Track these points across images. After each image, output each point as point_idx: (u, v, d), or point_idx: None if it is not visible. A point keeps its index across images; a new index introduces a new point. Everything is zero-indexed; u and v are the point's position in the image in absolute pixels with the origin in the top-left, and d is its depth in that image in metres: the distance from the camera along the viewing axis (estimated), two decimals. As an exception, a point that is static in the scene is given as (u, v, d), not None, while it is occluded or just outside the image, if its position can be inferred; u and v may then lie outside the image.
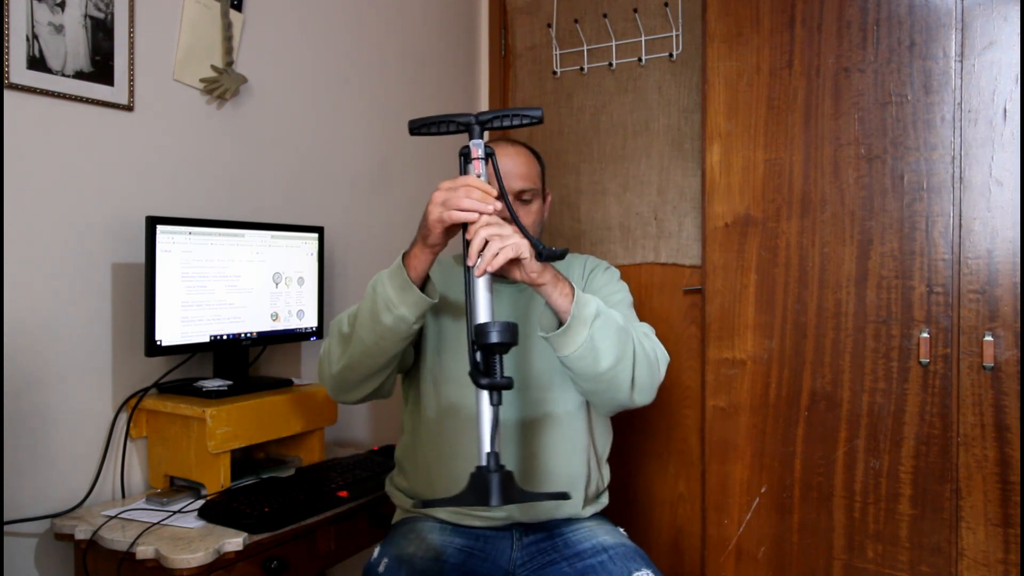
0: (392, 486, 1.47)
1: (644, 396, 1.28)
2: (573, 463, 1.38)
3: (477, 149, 1.13)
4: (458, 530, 1.36)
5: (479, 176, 1.13)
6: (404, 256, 1.20)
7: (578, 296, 1.18)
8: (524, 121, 1.15)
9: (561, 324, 1.18)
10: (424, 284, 1.23)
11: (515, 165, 1.41)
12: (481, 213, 1.10)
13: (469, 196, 1.09)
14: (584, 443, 1.40)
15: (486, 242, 1.08)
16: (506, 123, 1.15)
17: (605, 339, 1.18)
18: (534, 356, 1.40)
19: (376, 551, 1.32)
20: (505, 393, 1.24)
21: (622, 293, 1.47)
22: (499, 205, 1.10)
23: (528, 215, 1.41)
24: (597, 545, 1.31)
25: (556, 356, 1.28)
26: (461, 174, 1.14)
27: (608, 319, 1.20)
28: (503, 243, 1.08)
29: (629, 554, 1.29)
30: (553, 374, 1.38)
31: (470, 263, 1.09)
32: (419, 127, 1.19)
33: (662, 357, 1.32)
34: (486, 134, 1.18)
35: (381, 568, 1.26)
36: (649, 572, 1.25)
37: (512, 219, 1.14)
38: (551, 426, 1.37)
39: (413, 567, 1.25)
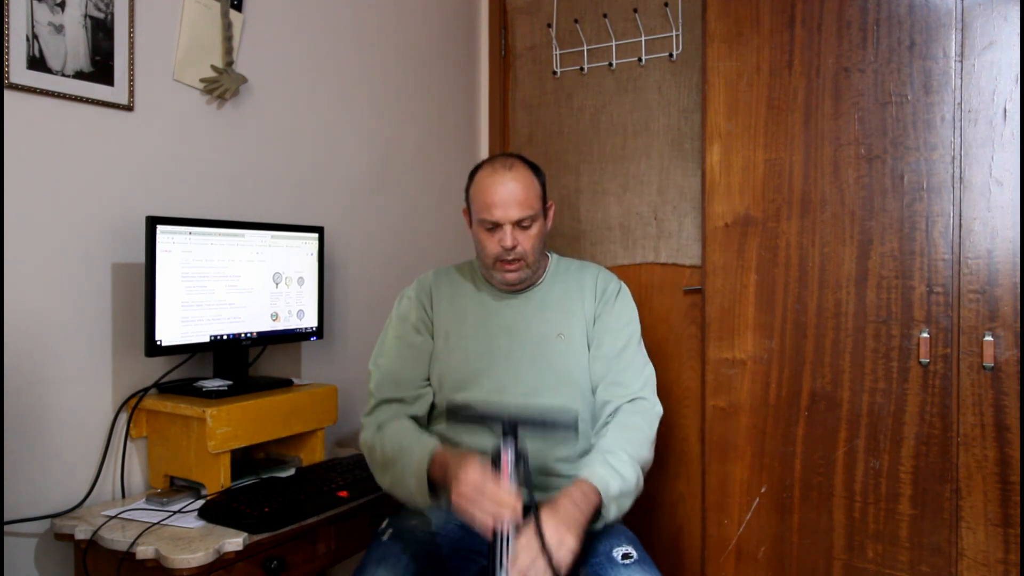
0: None
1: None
2: (570, 464, 1.44)
3: (507, 454, 1.18)
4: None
5: (508, 474, 1.17)
6: (431, 462, 1.28)
7: (604, 498, 1.25)
8: (557, 429, 1.21)
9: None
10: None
11: (510, 193, 1.43)
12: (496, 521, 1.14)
13: (485, 510, 1.13)
14: (582, 446, 1.46)
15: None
16: (537, 430, 1.21)
17: (627, 499, 1.31)
18: (529, 364, 1.46)
19: (385, 522, 1.42)
20: (502, 396, 1.36)
21: (632, 327, 1.53)
22: (512, 516, 1.12)
23: (529, 238, 1.46)
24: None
25: (551, 365, 1.46)
26: (493, 466, 1.18)
27: (625, 492, 1.29)
28: None
29: (615, 534, 1.36)
30: (547, 381, 1.44)
31: None
32: (457, 415, 1.32)
33: (655, 424, 1.44)
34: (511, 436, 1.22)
35: (385, 537, 1.36)
36: (631, 549, 1.31)
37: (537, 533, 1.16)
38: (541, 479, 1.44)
39: (414, 537, 1.34)
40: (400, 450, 1.33)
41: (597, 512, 1.26)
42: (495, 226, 1.45)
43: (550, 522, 1.15)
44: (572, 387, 1.46)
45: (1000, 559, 1.54)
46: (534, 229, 1.47)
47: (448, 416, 1.33)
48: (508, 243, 1.43)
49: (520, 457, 1.19)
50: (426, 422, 1.52)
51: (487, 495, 1.12)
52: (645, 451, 1.40)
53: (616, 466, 1.30)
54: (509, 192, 1.43)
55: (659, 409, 1.48)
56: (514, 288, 1.51)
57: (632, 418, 1.41)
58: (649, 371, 1.51)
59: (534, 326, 1.50)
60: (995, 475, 1.54)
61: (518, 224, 1.44)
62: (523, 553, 1.11)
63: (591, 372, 1.49)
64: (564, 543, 1.13)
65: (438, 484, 1.27)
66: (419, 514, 1.43)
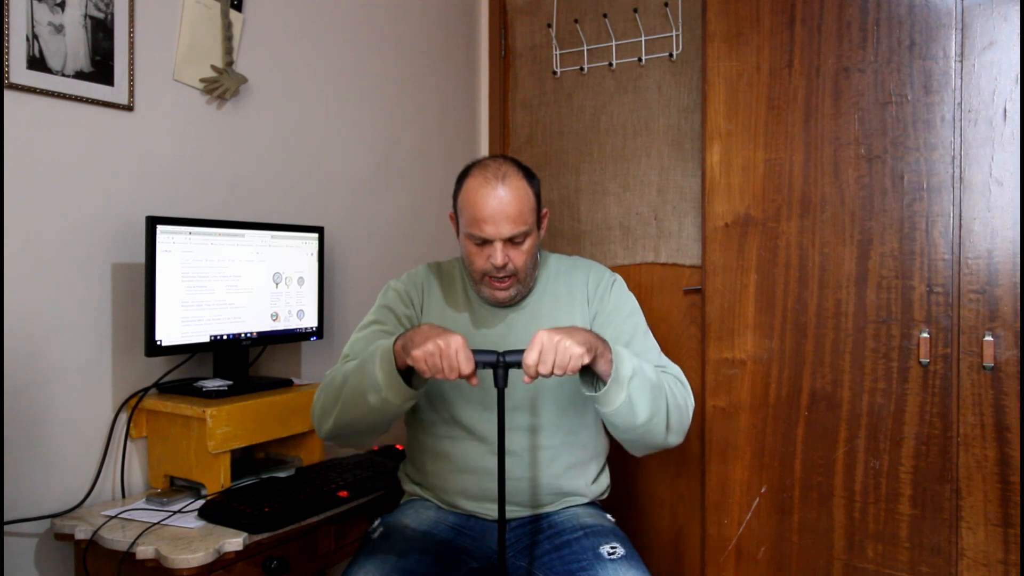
0: (402, 472, 1.55)
1: (676, 440, 1.32)
2: (559, 477, 1.42)
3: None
4: (453, 512, 1.44)
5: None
6: (395, 342, 1.21)
7: (616, 358, 1.20)
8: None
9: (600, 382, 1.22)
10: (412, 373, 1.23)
11: (502, 209, 1.32)
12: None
13: (445, 367, 1.12)
14: (571, 458, 1.43)
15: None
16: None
17: (641, 397, 1.22)
18: (517, 374, 1.38)
19: (376, 522, 1.40)
20: (492, 411, 1.31)
21: (635, 317, 1.45)
22: (463, 351, 1.12)
23: (521, 254, 1.36)
24: (577, 525, 1.37)
25: (543, 379, 1.34)
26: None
27: (643, 378, 1.23)
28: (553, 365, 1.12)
29: (604, 532, 1.34)
30: (537, 393, 1.41)
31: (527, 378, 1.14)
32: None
33: (690, 403, 1.34)
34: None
35: (375, 535, 1.35)
36: (617, 545, 1.30)
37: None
38: (536, 441, 1.40)
39: (404, 535, 1.33)
40: (357, 363, 1.25)
41: (606, 387, 1.20)
42: (485, 242, 1.35)
43: (552, 329, 1.14)
44: (564, 402, 1.40)
45: (1000, 559, 1.54)
46: (527, 244, 1.36)
47: None
48: (499, 261, 1.33)
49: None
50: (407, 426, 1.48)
51: (453, 361, 1.11)
52: (675, 402, 1.29)
53: (637, 359, 1.23)
54: (501, 207, 1.32)
55: (692, 397, 1.35)
56: (503, 305, 1.42)
57: (664, 376, 1.33)
58: (672, 363, 1.41)
59: (525, 337, 1.37)
60: (995, 475, 1.54)
61: (510, 240, 1.34)
62: (532, 349, 1.11)
63: None
64: (568, 341, 1.12)
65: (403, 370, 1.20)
66: (412, 514, 1.41)
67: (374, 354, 1.22)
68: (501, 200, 1.32)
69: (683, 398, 1.33)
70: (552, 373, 1.13)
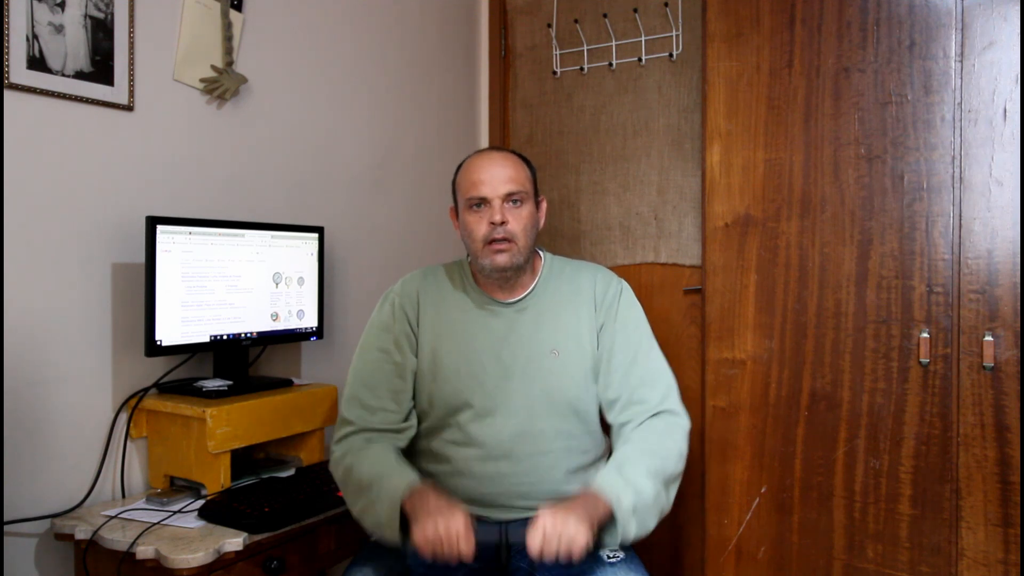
0: None
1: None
2: (559, 483, 1.41)
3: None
4: None
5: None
6: (402, 503, 1.20)
7: (616, 511, 1.19)
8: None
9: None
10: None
11: (502, 168, 1.38)
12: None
13: (447, 545, 1.12)
14: (570, 464, 1.42)
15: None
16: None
17: (650, 517, 1.23)
18: (520, 384, 1.40)
19: None
20: (492, 416, 1.34)
21: (641, 329, 1.45)
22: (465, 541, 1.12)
23: (519, 218, 1.38)
24: None
25: (544, 385, 1.38)
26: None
27: (641, 503, 1.21)
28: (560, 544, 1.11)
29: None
30: (537, 400, 1.40)
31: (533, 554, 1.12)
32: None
33: (684, 447, 1.36)
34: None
35: (373, 538, 1.33)
36: (616, 549, 1.29)
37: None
38: (536, 448, 1.39)
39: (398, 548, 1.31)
40: (376, 478, 1.25)
41: (611, 523, 1.20)
42: (483, 202, 1.37)
43: (554, 512, 1.13)
44: (564, 408, 1.40)
45: (1000, 559, 1.54)
46: (525, 210, 1.38)
47: None
48: (497, 217, 1.34)
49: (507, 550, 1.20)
50: (409, 442, 1.47)
51: (452, 548, 1.11)
52: (670, 464, 1.31)
53: (631, 477, 1.23)
54: (498, 167, 1.37)
55: (686, 421, 1.40)
56: (505, 274, 1.39)
57: (654, 431, 1.35)
58: (668, 378, 1.42)
59: (526, 341, 1.41)
60: (995, 475, 1.54)
61: (508, 199, 1.36)
62: (535, 536, 1.10)
63: (605, 390, 1.42)
64: (572, 524, 1.11)
65: (409, 519, 1.19)
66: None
67: (383, 493, 1.22)
68: (497, 161, 1.39)
69: (673, 448, 1.34)
70: (558, 545, 1.12)
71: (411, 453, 1.49)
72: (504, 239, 1.36)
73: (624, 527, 1.18)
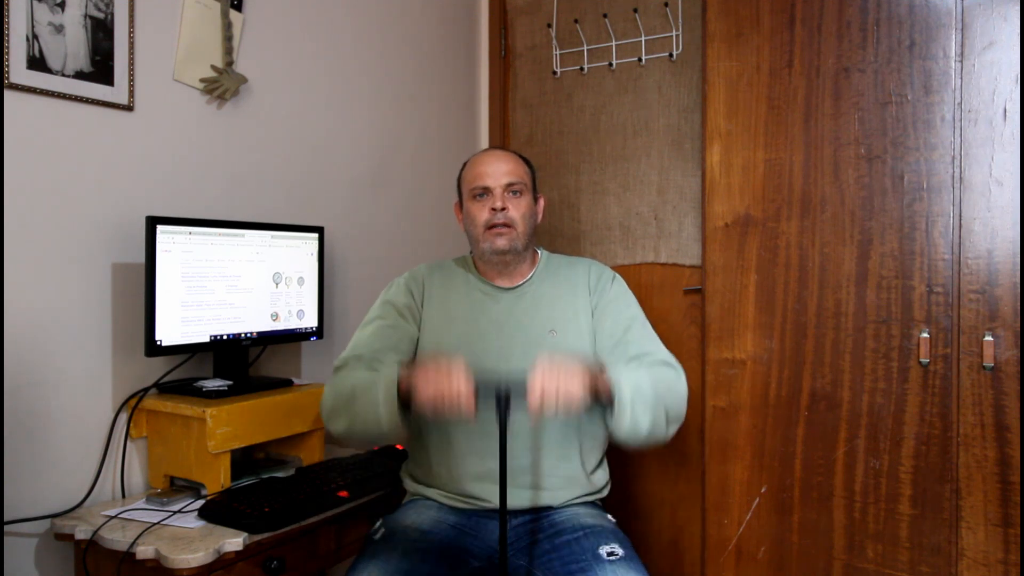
0: (404, 471, 1.58)
1: (674, 430, 1.37)
2: (560, 463, 1.45)
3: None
4: (454, 511, 1.46)
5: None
6: (399, 376, 1.24)
7: (614, 385, 1.24)
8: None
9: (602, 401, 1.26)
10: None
11: (504, 163, 1.50)
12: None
13: (447, 395, 1.16)
14: (572, 445, 1.46)
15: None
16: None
17: (644, 414, 1.26)
18: (519, 361, 1.42)
19: (379, 522, 1.42)
20: (491, 400, 1.31)
21: (632, 309, 1.52)
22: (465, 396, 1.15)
23: (518, 206, 1.48)
24: (577, 525, 1.39)
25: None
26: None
27: (642, 397, 1.26)
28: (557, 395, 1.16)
29: (604, 533, 1.36)
30: None
31: (532, 408, 1.15)
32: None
33: (683, 389, 1.39)
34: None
35: (377, 536, 1.37)
36: (617, 546, 1.32)
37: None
38: (537, 429, 1.43)
39: (406, 536, 1.35)
40: (365, 380, 1.30)
41: (609, 403, 1.24)
42: (485, 192, 1.48)
43: (552, 361, 1.17)
44: None
45: (1000, 559, 1.54)
46: (524, 201, 1.50)
47: None
48: (499, 204, 1.46)
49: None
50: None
51: (454, 392, 1.14)
52: (672, 399, 1.34)
53: (634, 376, 1.27)
54: (500, 162, 1.50)
55: (684, 377, 1.41)
56: (504, 257, 1.48)
57: (660, 371, 1.37)
58: (663, 347, 1.46)
59: (525, 323, 1.48)
60: (995, 475, 1.54)
61: (508, 189, 1.48)
62: (534, 387, 1.13)
63: (603, 356, 1.46)
64: (567, 376, 1.15)
65: (406, 402, 1.23)
66: (413, 515, 1.42)
67: (379, 387, 1.26)
68: (499, 157, 1.52)
69: (677, 389, 1.37)
70: (556, 398, 1.15)
71: (413, 446, 1.51)
72: (504, 224, 1.46)
73: (620, 408, 1.23)
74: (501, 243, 1.47)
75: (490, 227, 1.47)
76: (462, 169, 1.58)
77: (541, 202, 1.59)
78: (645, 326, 1.50)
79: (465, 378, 1.16)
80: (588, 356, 1.46)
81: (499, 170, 1.49)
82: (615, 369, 1.28)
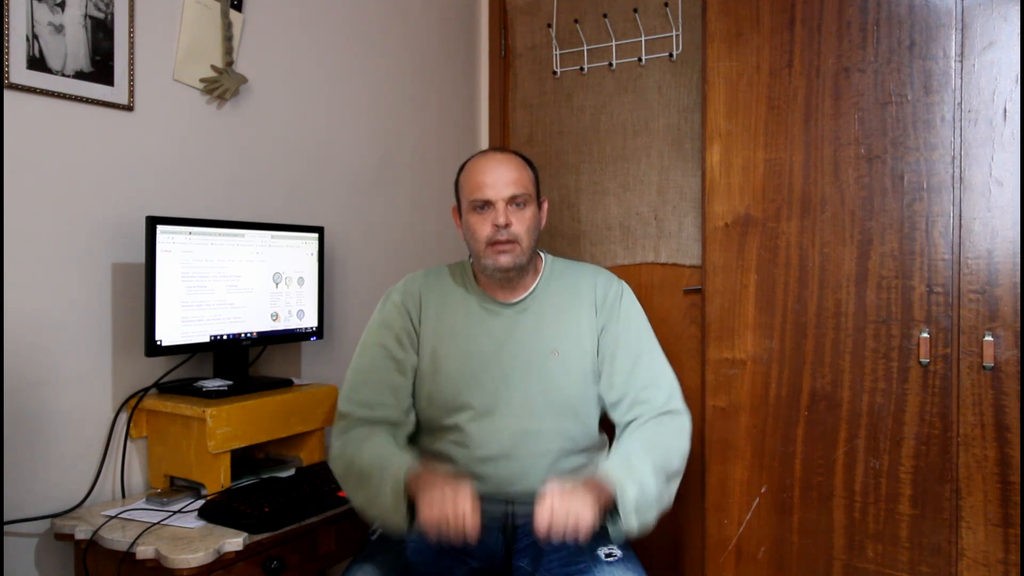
0: None
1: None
2: (557, 474, 1.41)
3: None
4: None
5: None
6: (406, 484, 1.19)
7: (620, 501, 1.20)
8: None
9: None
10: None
11: (506, 171, 1.38)
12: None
13: (452, 523, 1.11)
14: (569, 464, 1.43)
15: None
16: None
17: (649, 511, 1.23)
18: (519, 383, 1.41)
19: (375, 524, 1.39)
20: (492, 417, 1.34)
21: (643, 331, 1.46)
22: (471, 522, 1.11)
23: (522, 220, 1.38)
24: None
25: (543, 385, 1.39)
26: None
27: (643, 498, 1.22)
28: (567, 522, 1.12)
29: (604, 533, 1.33)
30: (538, 402, 1.40)
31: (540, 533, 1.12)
32: None
33: (686, 446, 1.37)
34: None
35: (374, 537, 1.35)
36: (614, 548, 1.30)
37: None
38: (535, 449, 1.40)
39: (403, 537, 1.32)
40: (378, 464, 1.25)
41: (613, 516, 1.21)
42: (487, 205, 1.37)
43: (561, 490, 1.13)
44: (564, 408, 1.40)
45: (1000, 559, 1.54)
46: (528, 212, 1.39)
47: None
48: (501, 220, 1.35)
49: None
50: (406, 440, 1.47)
51: (448, 501, 1.10)
52: (674, 461, 1.32)
53: (637, 470, 1.23)
54: (501, 169, 1.38)
55: (689, 421, 1.41)
56: (508, 274, 1.40)
57: (660, 428, 1.35)
58: (671, 379, 1.43)
59: (526, 342, 1.41)
60: (995, 475, 1.54)
61: (512, 202, 1.37)
62: (543, 513, 1.10)
63: (609, 391, 1.43)
64: (579, 502, 1.11)
65: (414, 499, 1.18)
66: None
67: (385, 479, 1.21)
68: (501, 163, 1.39)
69: (680, 448, 1.35)
70: (565, 527, 1.12)
71: (415, 451, 1.50)
72: (508, 240, 1.37)
73: (627, 519, 1.19)
74: (505, 261, 1.38)
75: (492, 243, 1.38)
76: (460, 172, 1.46)
77: (545, 206, 1.49)
78: (653, 352, 1.45)
79: (471, 505, 1.10)
80: (588, 375, 1.42)
81: (501, 179, 1.37)
82: (616, 472, 1.23)
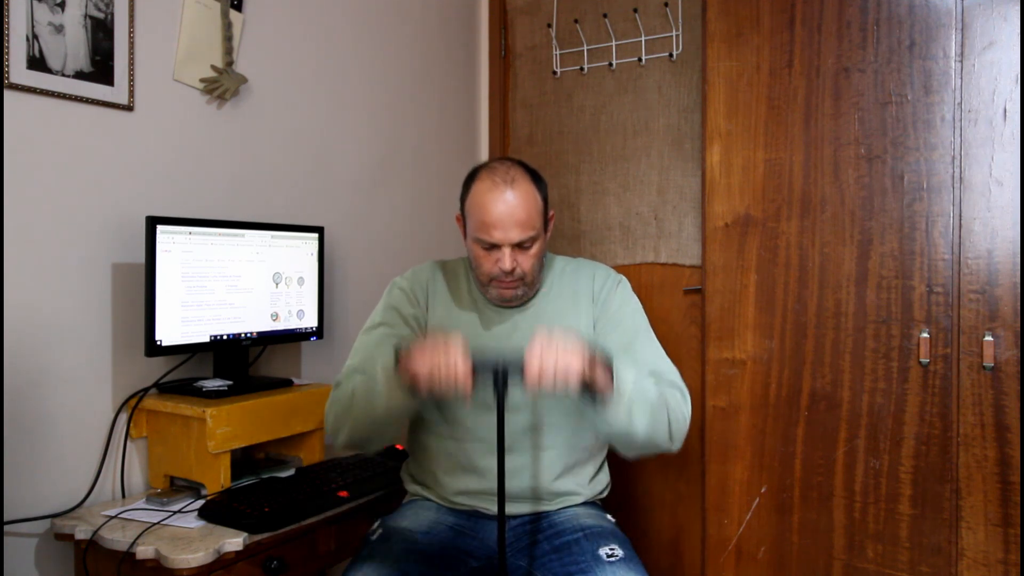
0: (405, 472, 1.55)
1: (676, 447, 1.33)
2: (559, 477, 1.43)
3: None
4: (452, 512, 1.44)
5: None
6: (398, 353, 1.19)
7: (616, 375, 1.19)
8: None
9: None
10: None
11: (511, 213, 1.32)
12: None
13: (443, 371, 1.11)
14: (570, 459, 1.44)
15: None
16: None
17: (641, 415, 1.21)
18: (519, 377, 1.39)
19: (376, 523, 1.40)
20: (493, 413, 1.26)
21: (638, 317, 1.45)
22: (462, 367, 1.10)
23: (529, 258, 1.37)
24: (577, 526, 1.37)
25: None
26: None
27: (642, 396, 1.21)
28: (556, 367, 1.10)
29: (604, 534, 1.34)
30: (541, 397, 1.40)
31: (528, 384, 1.11)
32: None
33: (688, 413, 1.33)
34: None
35: (374, 537, 1.35)
36: (616, 547, 1.30)
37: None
38: (538, 443, 1.41)
39: (403, 537, 1.33)
40: (363, 379, 1.26)
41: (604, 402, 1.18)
42: (493, 247, 1.35)
43: (550, 335, 1.11)
44: (566, 403, 1.39)
45: (1000, 559, 1.54)
46: (535, 248, 1.37)
47: None
48: (507, 266, 1.33)
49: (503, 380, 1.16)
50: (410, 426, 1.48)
51: (449, 366, 1.10)
52: (676, 416, 1.28)
53: (638, 371, 1.22)
54: (510, 212, 1.31)
55: (688, 397, 1.36)
56: (510, 304, 1.43)
57: (664, 386, 1.32)
58: (668, 362, 1.40)
59: (528, 339, 1.41)
60: (995, 475, 1.54)
61: (518, 245, 1.34)
62: (532, 359, 1.08)
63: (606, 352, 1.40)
64: (566, 350, 1.09)
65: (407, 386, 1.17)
66: (411, 515, 1.41)
67: (376, 368, 1.23)
68: (510, 205, 1.32)
69: (681, 411, 1.32)
70: (555, 372, 1.11)
71: (413, 447, 1.50)
72: (512, 279, 1.37)
73: (618, 399, 1.17)
74: (508, 295, 1.39)
75: (497, 279, 1.37)
76: (467, 191, 1.40)
77: (551, 223, 1.46)
78: (648, 338, 1.43)
79: (462, 354, 1.10)
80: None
81: (510, 221, 1.31)
82: (620, 361, 1.23)
